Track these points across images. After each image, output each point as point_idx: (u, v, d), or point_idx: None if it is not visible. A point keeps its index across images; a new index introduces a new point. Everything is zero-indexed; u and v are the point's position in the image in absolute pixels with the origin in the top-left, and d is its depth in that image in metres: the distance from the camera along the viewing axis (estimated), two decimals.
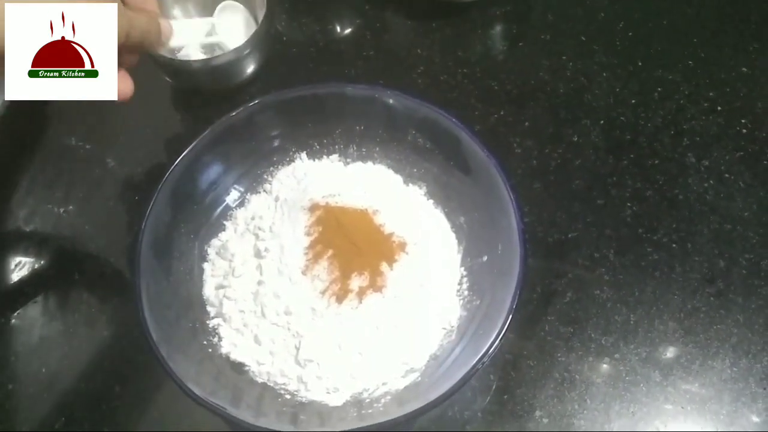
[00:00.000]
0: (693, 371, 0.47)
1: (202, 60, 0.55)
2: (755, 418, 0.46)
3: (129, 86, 0.40)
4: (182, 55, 0.57)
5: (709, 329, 0.49)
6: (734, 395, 0.46)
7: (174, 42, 0.49)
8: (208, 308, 0.46)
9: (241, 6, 0.60)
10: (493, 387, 0.47)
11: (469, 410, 0.47)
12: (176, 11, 0.60)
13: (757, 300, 0.50)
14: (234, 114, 0.47)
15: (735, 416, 0.46)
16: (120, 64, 0.39)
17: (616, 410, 0.46)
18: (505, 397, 0.47)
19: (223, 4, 0.59)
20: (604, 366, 0.48)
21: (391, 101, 0.48)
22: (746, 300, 0.50)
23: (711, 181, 0.55)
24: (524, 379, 0.47)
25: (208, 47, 0.58)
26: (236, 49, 0.55)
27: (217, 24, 0.57)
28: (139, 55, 0.43)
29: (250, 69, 0.59)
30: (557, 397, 0.47)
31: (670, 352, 0.48)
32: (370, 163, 0.51)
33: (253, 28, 0.58)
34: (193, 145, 0.46)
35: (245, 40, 0.55)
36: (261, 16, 0.56)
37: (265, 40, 0.58)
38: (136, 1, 0.42)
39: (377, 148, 0.51)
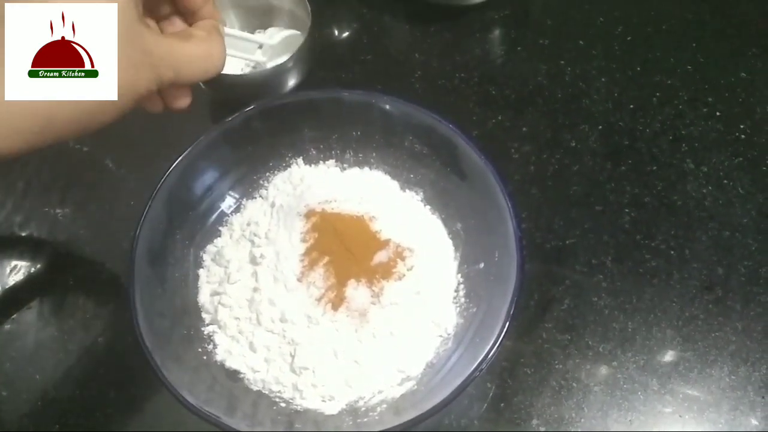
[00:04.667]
0: (691, 379, 0.47)
1: (244, 75, 0.56)
2: (753, 427, 0.45)
3: (157, 109, 0.38)
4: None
5: (707, 337, 0.48)
6: (733, 403, 0.46)
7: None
8: (203, 315, 0.46)
9: (286, 25, 0.60)
10: (490, 394, 0.47)
11: (465, 418, 0.46)
12: None
13: (755, 307, 0.49)
14: (230, 119, 0.47)
15: (733, 424, 0.45)
16: (166, 104, 0.38)
17: (614, 418, 0.46)
18: (502, 404, 0.46)
19: (271, 29, 0.59)
20: (602, 373, 0.48)
21: (387, 107, 0.48)
22: (745, 307, 0.49)
23: (710, 188, 0.54)
24: (521, 386, 0.47)
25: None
26: (280, 65, 0.55)
27: (265, 47, 0.56)
28: (189, 93, 0.38)
29: (291, 82, 0.58)
30: (554, 404, 0.46)
31: (668, 360, 0.48)
32: (366, 169, 0.51)
33: (295, 43, 0.58)
34: (188, 150, 0.46)
35: (288, 56, 0.55)
36: (305, 31, 0.56)
37: (308, 54, 0.58)
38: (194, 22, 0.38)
39: (374, 154, 0.51)
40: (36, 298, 0.53)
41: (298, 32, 0.60)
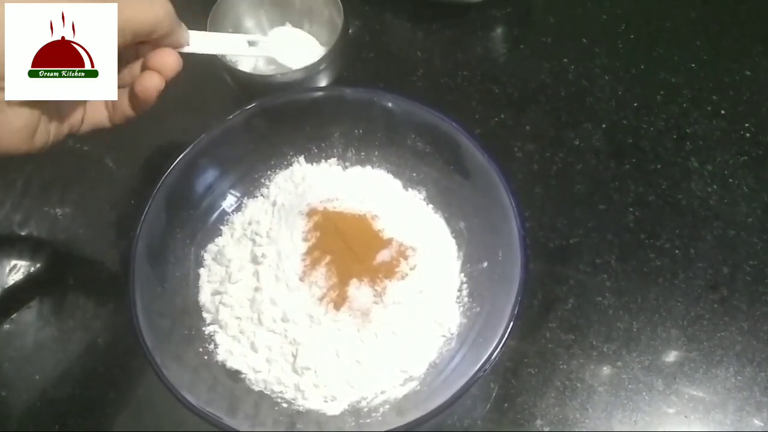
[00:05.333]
0: (696, 379, 0.47)
1: (273, 75, 0.55)
2: (759, 428, 0.45)
3: (155, 82, 0.37)
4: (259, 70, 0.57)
5: (712, 337, 0.48)
6: (738, 404, 0.46)
7: (210, 49, 0.43)
8: (204, 315, 0.45)
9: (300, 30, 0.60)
10: (494, 395, 0.47)
11: (468, 418, 0.46)
12: (249, 22, 0.60)
13: (761, 307, 0.49)
14: (231, 117, 0.46)
15: (739, 425, 0.45)
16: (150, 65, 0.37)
17: (618, 419, 0.46)
18: (506, 405, 0.46)
19: (279, 28, 0.59)
20: (606, 374, 0.47)
21: (389, 105, 0.47)
22: (751, 307, 0.49)
23: (714, 186, 0.54)
24: (525, 386, 0.47)
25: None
26: (310, 66, 0.54)
27: (261, 44, 0.55)
28: (172, 54, 0.38)
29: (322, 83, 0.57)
30: (558, 405, 0.46)
31: (673, 360, 0.47)
32: (369, 167, 0.51)
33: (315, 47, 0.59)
34: (189, 148, 0.45)
35: (312, 60, 0.54)
36: (337, 31, 0.55)
37: (340, 55, 0.57)
38: None
39: (376, 152, 0.50)
40: (35, 298, 0.53)
41: (303, 31, 0.60)
